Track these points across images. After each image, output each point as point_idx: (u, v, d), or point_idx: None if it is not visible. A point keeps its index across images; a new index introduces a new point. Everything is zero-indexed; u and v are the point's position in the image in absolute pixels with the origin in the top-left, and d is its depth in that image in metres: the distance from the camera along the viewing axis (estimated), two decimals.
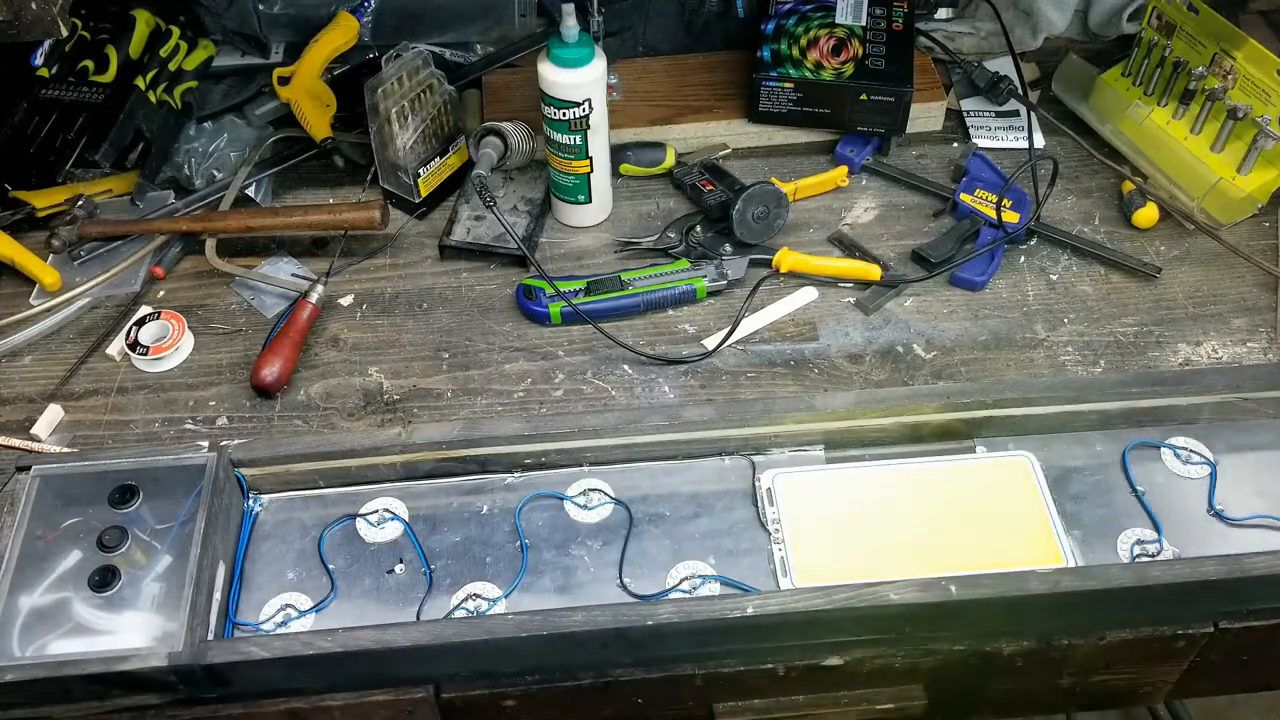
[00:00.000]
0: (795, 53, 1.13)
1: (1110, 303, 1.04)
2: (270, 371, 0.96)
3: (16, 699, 0.81)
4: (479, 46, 1.23)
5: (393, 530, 0.91)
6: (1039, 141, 1.17)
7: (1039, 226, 1.08)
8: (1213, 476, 0.92)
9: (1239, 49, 1.05)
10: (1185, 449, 0.93)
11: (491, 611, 0.86)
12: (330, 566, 0.89)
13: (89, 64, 1.12)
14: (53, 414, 0.96)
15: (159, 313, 1.02)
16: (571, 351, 1.01)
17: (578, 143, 1.03)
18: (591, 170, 1.06)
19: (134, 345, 1.00)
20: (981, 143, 1.19)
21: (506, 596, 0.87)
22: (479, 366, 1.00)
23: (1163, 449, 0.94)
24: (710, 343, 1.01)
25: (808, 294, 1.05)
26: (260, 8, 1.16)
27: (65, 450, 0.94)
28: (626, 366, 0.99)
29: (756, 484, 0.92)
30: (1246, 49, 1.05)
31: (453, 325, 1.04)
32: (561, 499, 0.92)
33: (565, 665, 0.87)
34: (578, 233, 1.12)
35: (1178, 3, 1.09)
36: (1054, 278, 1.06)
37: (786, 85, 1.12)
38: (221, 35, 1.20)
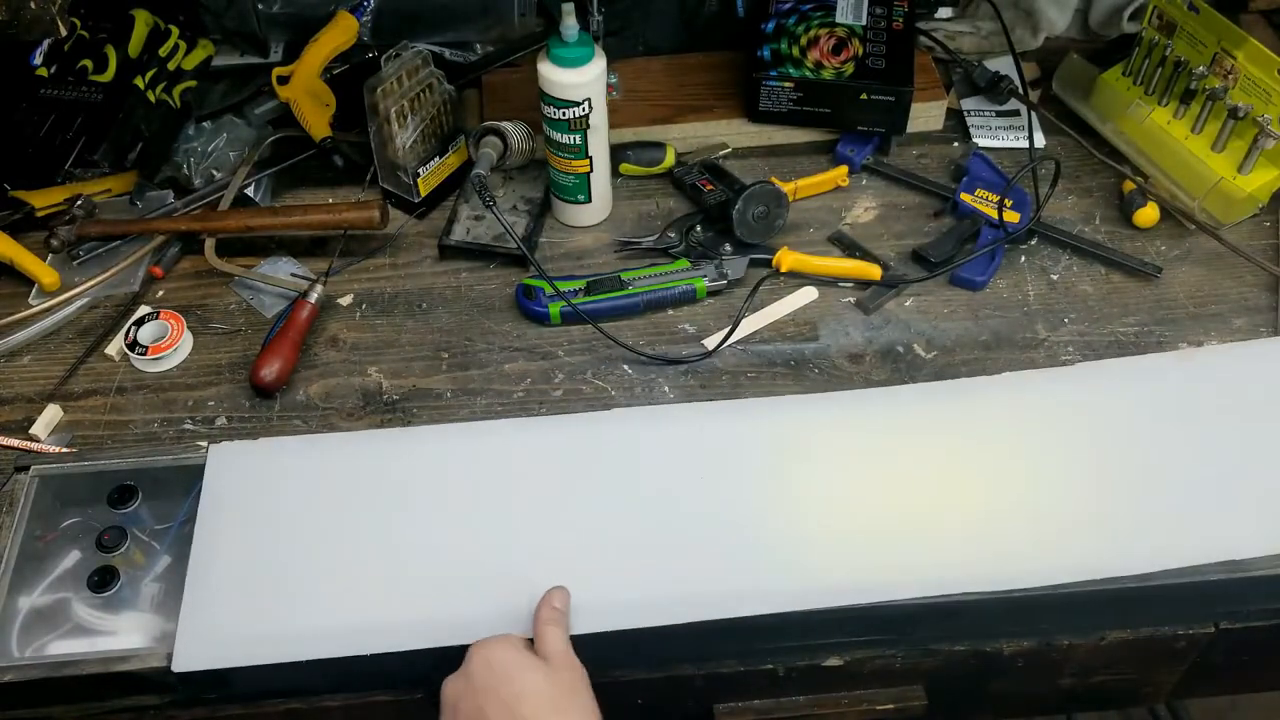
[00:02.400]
0: (795, 52, 1.13)
1: (1111, 302, 1.04)
2: (269, 371, 0.96)
3: (16, 699, 0.81)
4: (479, 46, 1.23)
5: None
6: (1039, 141, 1.17)
7: (1039, 226, 1.08)
8: None
9: (1240, 48, 1.05)
10: None
11: None
12: None
13: (88, 63, 1.12)
14: (51, 414, 0.96)
15: (158, 312, 1.02)
16: (571, 351, 1.01)
17: (577, 142, 1.03)
18: (591, 170, 1.06)
19: (133, 345, 0.99)
20: (982, 142, 1.19)
21: None
22: (478, 366, 1.00)
23: None
24: (710, 342, 1.01)
25: (808, 294, 1.05)
26: (259, 7, 1.16)
27: (64, 450, 0.93)
28: (626, 366, 0.99)
29: None
30: (1247, 48, 1.05)
31: (452, 325, 1.04)
32: None
33: None
34: (577, 232, 1.11)
35: (1179, 2, 1.08)
36: (1055, 277, 1.06)
37: (786, 85, 1.12)
38: (221, 35, 1.20)
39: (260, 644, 0.78)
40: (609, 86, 1.03)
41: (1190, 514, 0.85)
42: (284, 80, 1.11)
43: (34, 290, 1.06)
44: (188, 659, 0.78)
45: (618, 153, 1.12)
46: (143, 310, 1.03)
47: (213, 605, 0.80)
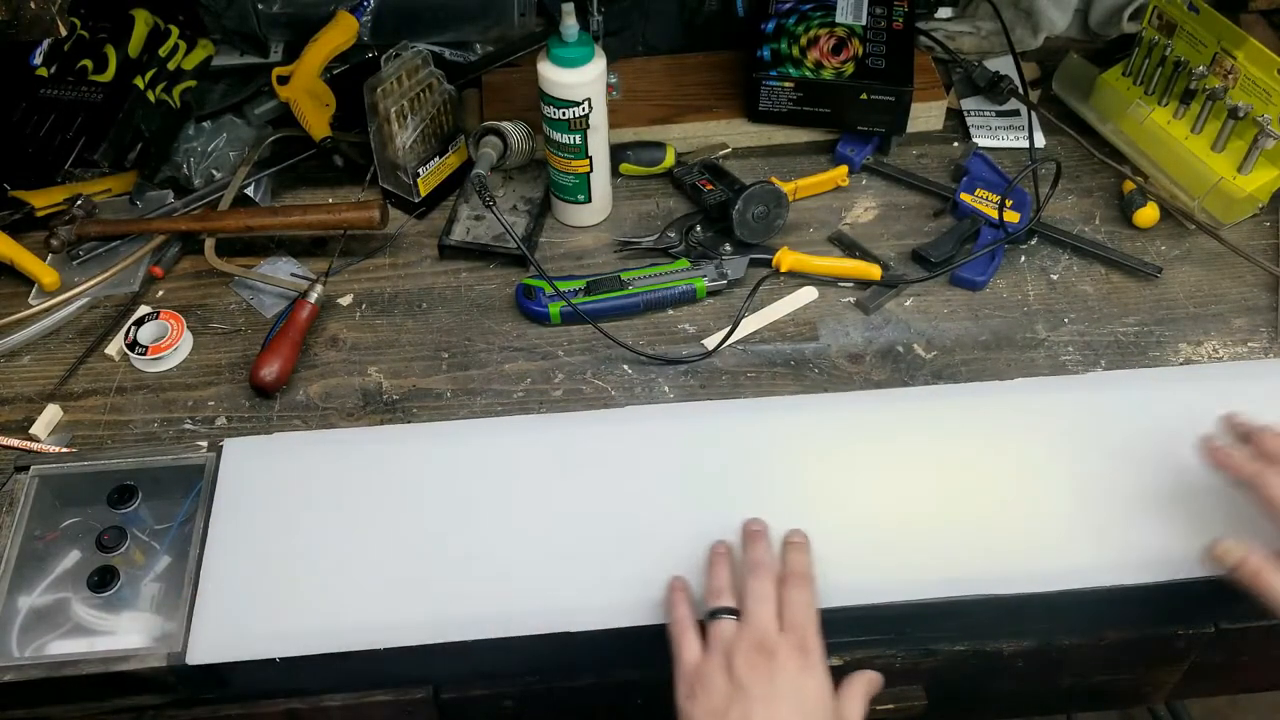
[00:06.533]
0: (795, 52, 1.13)
1: (1111, 302, 1.04)
2: (269, 371, 0.96)
3: (16, 699, 0.81)
4: (479, 46, 1.23)
5: None
6: (1039, 141, 1.17)
7: (1039, 226, 1.08)
8: None
9: (1240, 48, 1.05)
10: None
11: None
12: None
13: (88, 63, 1.12)
14: (51, 414, 0.96)
15: (158, 312, 1.02)
16: (571, 351, 1.01)
17: (577, 142, 1.03)
18: (591, 170, 1.06)
19: (133, 345, 1.00)
20: (982, 142, 1.19)
21: None
22: (478, 366, 1.00)
23: None
24: (710, 342, 1.01)
25: (808, 294, 1.05)
26: (259, 7, 1.16)
27: (64, 450, 0.93)
28: (626, 366, 0.99)
29: None
30: (1247, 48, 1.05)
31: (452, 325, 1.04)
32: None
33: (565, 665, 0.87)
34: (577, 232, 1.11)
35: (1179, 2, 1.09)
36: (1055, 277, 1.06)
37: (786, 85, 1.12)
38: (221, 34, 1.20)
39: (271, 638, 0.78)
40: (609, 86, 1.03)
41: (1192, 525, 0.84)
42: (284, 80, 1.11)
43: (34, 290, 1.06)
44: (202, 652, 0.77)
45: (618, 153, 1.12)
46: (143, 310, 1.03)
47: (227, 598, 0.80)
